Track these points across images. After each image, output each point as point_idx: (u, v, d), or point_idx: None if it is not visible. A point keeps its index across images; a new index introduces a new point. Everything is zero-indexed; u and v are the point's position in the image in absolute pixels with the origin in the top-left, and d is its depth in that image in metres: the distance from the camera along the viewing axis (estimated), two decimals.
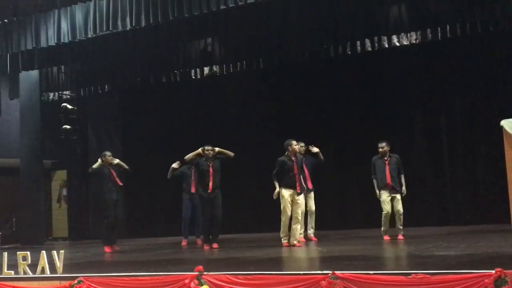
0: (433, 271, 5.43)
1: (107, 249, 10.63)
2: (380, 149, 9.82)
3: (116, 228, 11.14)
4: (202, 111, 14.57)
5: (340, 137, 13.30)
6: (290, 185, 9.42)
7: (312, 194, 10.16)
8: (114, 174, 10.80)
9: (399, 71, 12.68)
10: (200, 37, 13.10)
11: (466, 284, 5.13)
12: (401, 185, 9.72)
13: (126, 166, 10.95)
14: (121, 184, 10.86)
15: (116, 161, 10.92)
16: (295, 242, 9.43)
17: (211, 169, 9.97)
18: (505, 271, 5.05)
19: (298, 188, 9.40)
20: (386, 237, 9.72)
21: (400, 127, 12.71)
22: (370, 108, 12.89)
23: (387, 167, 9.73)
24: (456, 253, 7.22)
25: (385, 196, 9.71)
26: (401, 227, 9.70)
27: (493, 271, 5.07)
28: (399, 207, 9.65)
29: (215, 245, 10.01)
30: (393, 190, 9.69)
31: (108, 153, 10.96)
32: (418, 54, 12.21)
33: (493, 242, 8.09)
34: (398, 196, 9.67)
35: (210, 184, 9.91)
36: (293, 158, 9.47)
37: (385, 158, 9.81)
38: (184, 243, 11.39)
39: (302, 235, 9.96)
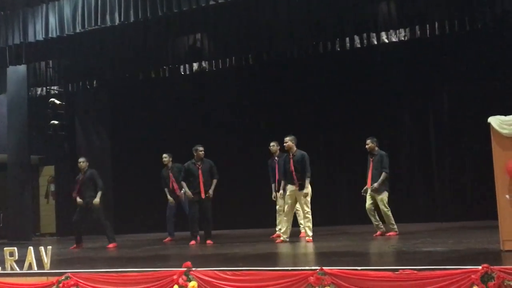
0: (421, 267, 5.46)
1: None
2: (366, 146, 9.84)
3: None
4: (191, 106, 14.55)
5: (328, 133, 13.34)
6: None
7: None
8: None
9: (388, 67, 12.71)
10: (189, 33, 13.06)
11: (453, 280, 5.16)
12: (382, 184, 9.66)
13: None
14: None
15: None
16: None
17: (200, 172, 9.93)
18: (492, 267, 5.08)
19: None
20: (376, 233, 9.76)
21: (388, 124, 12.75)
22: (359, 104, 12.92)
23: (371, 165, 9.75)
24: (443, 249, 7.26)
25: (368, 192, 9.75)
26: (391, 226, 9.73)
27: (480, 267, 5.10)
28: (381, 207, 9.67)
29: (209, 242, 10.01)
30: (374, 189, 9.69)
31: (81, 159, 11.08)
32: (407, 50, 12.24)
33: (480, 238, 8.13)
34: (379, 196, 9.66)
35: (201, 188, 9.89)
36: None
37: (371, 156, 9.82)
38: (167, 240, 11.37)
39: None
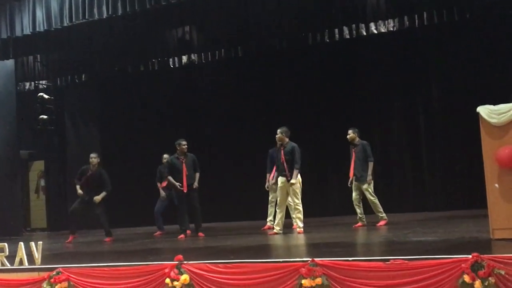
0: (411, 257, 5.49)
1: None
2: (347, 136, 9.87)
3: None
4: (180, 99, 14.51)
5: (318, 124, 13.34)
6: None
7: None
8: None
9: (377, 58, 12.73)
10: (178, 25, 13.02)
11: (443, 269, 5.19)
12: (365, 173, 9.69)
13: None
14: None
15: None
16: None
17: (184, 167, 9.93)
18: (482, 256, 5.11)
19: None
20: (356, 224, 9.80)
21: (378, 114, 12.79)
22: (349, 95, 12.95)
23: (353, 156, 9.79)
24: (433, 239, 7.30)
25: (353, 183, 9.81)
26: (379, 214, 9.77)
27: (470, 256, 5.13)
28: (368, 196, 9.72)
29: (200, 234, 10.04)
30: (357, 179, 9.73)
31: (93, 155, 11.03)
32: (396, 41, 12.25)
33: (470, 227, 8.19)
34: (364, 186, 9.70)
35: (184, 182, 9.89)
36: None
37: (353, 147, 9.85)
38: (157, 233, 11.37)
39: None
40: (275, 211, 9.83)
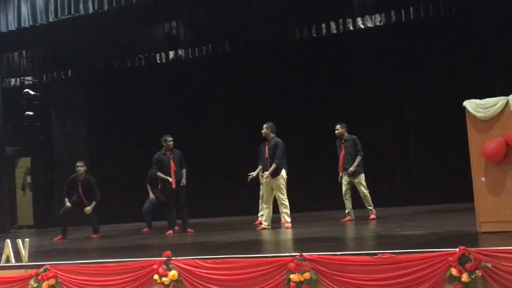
0: (399, 251, 5.51)
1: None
2: (335, 131, 9.88)
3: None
4: (168, 95, 14.45)
5: (306, 118, 13.34)
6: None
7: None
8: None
9: (364, 53, 12.72)
10: (165, 21, 12.99)
11: (431, 262, 5.22)
12: (357, 167, 9.73)
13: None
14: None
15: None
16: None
17: (172, 162, 9.91)
18: (469, 249, 5.15)
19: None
20: (344, 219, 9.83)
21: (366, 109, 12.80)
22: (336, 89, 12.95)
23: (343, 151, 9.81)
24: (421, 232, 7.33)
25: (344, 178, 9.83)
26: (370, 208, 9.81)
27: (457, 250, 5.16)
28: (360, 189, 9.76)
29: (189, 230, 10.04)
30: (346, 172, 9.76)
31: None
32: (383, 36, 12.28)
33: (457, 220, 8.24)
34: (356, 179, 9.73)
35: (173, 178, 9.87)
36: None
37: (342, 141, 9.87)
38: (146, 230, 11.36)
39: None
40: None
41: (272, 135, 9.45)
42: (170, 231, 10.04)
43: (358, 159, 9.71)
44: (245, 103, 13.68)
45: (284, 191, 9.36)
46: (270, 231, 9.25)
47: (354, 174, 9.72)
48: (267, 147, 9.38)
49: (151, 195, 11.28)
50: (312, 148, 13.35)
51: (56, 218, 11.43)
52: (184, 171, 10.09)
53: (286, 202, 9.37)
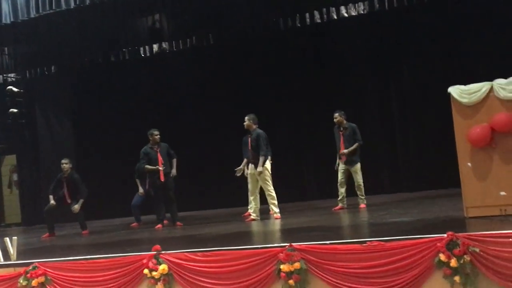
0: (388, 238, 5.55)
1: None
2: (334, 119, 9.89)
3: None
4: (153, 88, 14.37)
5: (293, 108, 13.34)
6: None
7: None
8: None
9: (349, 41, 12.73)
10: (147, 14, 12.90)
11: (419, 249, 5.26)
12: (354, 156, 9.77)
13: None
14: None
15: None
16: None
17: (159, 156, 9.88)
18: (457, 234, 5.19)
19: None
20: (336, 207, 9.86)
21: (351, 97, 12.81)
22: (322, 79, 12.94)
23: (341, 138, 9.82)
24: (409, 219, 7.38)
25: (340, 166, 9.84)
26: (361, 197, 9.85)
27: (445, 235, 5.20)
28: (356, 178, 9.78)
29: (178, 224, 10.04)
30: (347, 162, 9.78)
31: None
32: (367, 24, 12.27)
33: (445, 206, 8.28)
34: (353, 168, 9.77)
35: (161, 172, 9.84)
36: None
37: (341, 129, 9.88)
38: (134, 224, 11.34)
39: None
40: None
41: (254, 126, 9.44)
42: (159, 225, 10.03)
43: (356, 145, 9.73)
44: (231, 94, 13.64)
45: (270, 182, 9.35)
46: (259, 222, 9.27)
47: (351, 163, 9.74)
48: (249, 139, 9.38)
49: (140, 189, 11.29)
50: (299, 137, 13.36)
51: (42, 216, 11.34)
52: (174, 161, 10.08)
53: (273, 193, 9.38)
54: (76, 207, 10.66)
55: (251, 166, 9.40)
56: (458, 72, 10.87)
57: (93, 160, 14.72)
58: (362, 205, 9.79)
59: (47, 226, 10.94)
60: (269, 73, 13.34)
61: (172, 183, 10.01)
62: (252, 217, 9.48)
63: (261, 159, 9.21)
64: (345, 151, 9.69)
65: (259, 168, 9.19)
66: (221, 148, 13.35)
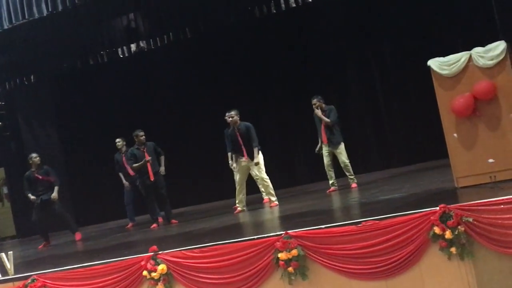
0: (381, 216, 5.58)
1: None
2: (313, 106, 9.89)
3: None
4: (134, 88, 14.27)
5: (278, 94, 13.32)
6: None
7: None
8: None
9: (326, 23, 12.70)
10: (122, 14, 12.77)
11: (413, 224, 5.30)
12: (335, 136, 9.75)
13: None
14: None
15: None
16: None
17: (146, 156, 9.84)
18: (449, 206, 5.23)
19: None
20: (330, 189, 9.89)
21: (334, 78, 12.83)
22: (303, 63, 12.92)
23: (322, 122, 9.80)
24: (401, 195, 7.43)
25: (323, 149, 9.86)
26: (351, 177, 9.88)
27: (438, 208, 5.24)
28: (341, 159, 9.81)
29: (173, 221, 10.02)
30: (329, 144, 9.80)
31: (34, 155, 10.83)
32: (342, 4, 12.25)
33: (435, 178, 8.30)
34: (337, 150, 9.78)
35: (150, 171, 9.81)
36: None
37: (321, 113, 9.88)
38: (129, 225, 11.33)
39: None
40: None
41: (239, 121, 9.48)
42: (154, 225, 10.03)
43: (328, 121, 9.63)
44: (212, 87, 13.60)
45: (264, 170, 9.46)
46: (253, 212, 9.30)
47: (334, 144, 9.75)
48: (238, 133, 9.39)
49: (125, 183, 11.22)
50: (285, 123, 13.37)
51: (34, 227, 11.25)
52: (162, 158, 10.03)
53: (269, 182, 9.46)
54: (55, 194, 10.49)
55: (240, 158, 9.42)
56: (437, 44, 10.88)
57: (81, 165, 14.67)
58: (354, 185, 9.82)
59: (41, 235, 10.88)
60: (250, 61, 13.31)
61: (162, 181, 9.96)
62: (239, 208, 9.57)
63: (256, 149, 9.34)
64: (327, 120, 9.61)
65: (256, 159, 9.29)
66: (205, 141, 13.33)
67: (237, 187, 9.62)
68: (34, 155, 10.82)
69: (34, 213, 10.66)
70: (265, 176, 9.45)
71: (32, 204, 10.62)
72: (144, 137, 9.96)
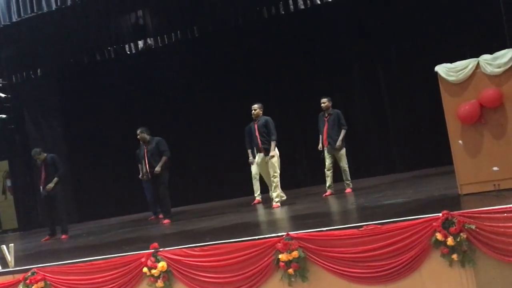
0: (383, 221, 5.56)
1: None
2: (322, 105, 9.88)
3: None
4: (140, 85, 14.28)
5: (284, 94, 13.31)
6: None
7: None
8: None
9: (333, 25, 12.70)
10: (131, 10, 12.80)
11: (416, 229, 5.28)
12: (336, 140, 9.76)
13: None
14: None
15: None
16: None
17: (146, 154, 9.84)
18: (452, 212, 5.21)
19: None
20: (326, 193, 9.87)
21: (340, 81, 12.81)
22: (310, 64, 12.93)
23: (326, 124, 9.81)
24: (404, 200, 7.40)
25: (325, 152, 9.85)
26: (347, 182, 9.86)
27: (440, 214, 5.22)
28: (342, 163, 9.79)
29: (166, 221, 9.94)
30: (331, 146, 9.79)
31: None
32: (351, 6, 12.24)
33: (439, 185, 8.28)
34: (339, 154, 9.77)
35: (146, 168, 9.83)
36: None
37: (326, 115, 9.88)
38: (152, 218, 11.36)
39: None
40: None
41: (261, 114, 9.60)
42: (167, 220, 9.96)
43: (343, 133, 9.74)
44: (219, 86, 13.59)
45: (278, 167, 9.43)
46: (256, 213, 9.30)
47: (337, 147, 9.73)
48: (256, 126, 9.42)
49: (141, 174, 11.08)
50: (289, 123, 13.34)
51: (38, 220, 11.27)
52: (162, 158, 9.80)
53: (277, 179, 9.43)
54: (50, 185, 10.47)
55: (259, 154, 9.50)
56: (445, 50, 10.86)
57: (85, 160, 14.68)
58: (348, 190, 9.81)
59: (48, 228, 10.91)
60: (257, 61, 13.29)
61: (159, 179, 9.82)
62: (258, 198, 9.99)
63: (273, 143, 9.38)
64: (339, 143, 9.68)
65: (272, 152, 9.33)
66: (211, 140, 13.33)
67: (253, 180, 9.81)
68: (37, 149, 10.86)
69: (44, 209, 10.72)
70: (276, 173, 9.38)
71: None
72: (142, 135, 9.90)
